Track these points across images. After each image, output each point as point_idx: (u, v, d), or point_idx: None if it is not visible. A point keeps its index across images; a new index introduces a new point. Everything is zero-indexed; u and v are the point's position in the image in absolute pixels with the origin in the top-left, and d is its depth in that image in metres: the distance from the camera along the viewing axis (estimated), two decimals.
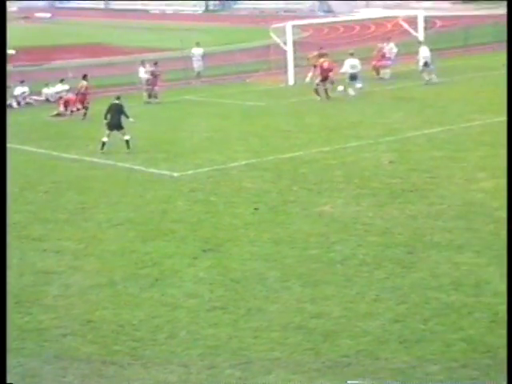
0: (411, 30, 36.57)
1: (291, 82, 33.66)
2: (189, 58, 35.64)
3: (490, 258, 12.03)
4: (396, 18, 40.77)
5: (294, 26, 35.49)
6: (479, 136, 21.04)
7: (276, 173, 18.49)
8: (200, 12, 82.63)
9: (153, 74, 31.04)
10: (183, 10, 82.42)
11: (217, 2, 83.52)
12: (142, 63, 31.69)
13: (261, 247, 13.32)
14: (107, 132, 21.61)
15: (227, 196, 16.73)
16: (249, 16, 73.04)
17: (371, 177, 17.54)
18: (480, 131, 21.65)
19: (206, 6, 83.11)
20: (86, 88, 28.03)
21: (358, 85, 30.07)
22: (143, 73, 31.25)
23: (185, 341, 9.93)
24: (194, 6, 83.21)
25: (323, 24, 53.32)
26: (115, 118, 21.51)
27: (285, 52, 33.89)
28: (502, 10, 62.04)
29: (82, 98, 27.91)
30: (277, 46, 34.51)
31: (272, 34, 35.18)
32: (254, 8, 78.27)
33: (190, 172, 19.11)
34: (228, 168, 19.30)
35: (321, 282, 11.58)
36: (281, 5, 75.06)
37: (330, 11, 71.18)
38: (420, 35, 35.90)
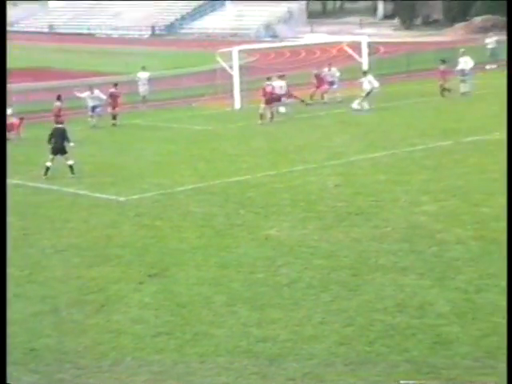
0: (355, 56, 37.17)
1: (237, 106, 33.84)
2: (134, 83, 35.54)
3: (433, 280, 12.20)
4: (340, 43, 41.44)
5: (240, 51, 35.75)
6: (422, 160, 21.41)
7: (223, 197, 18.52)
8: (146, 36, 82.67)
9: (112, 95, 30.90)
10: (129, 34, 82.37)
11: (163, 26, 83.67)
12: (90, 88, 31.43)
13: (207, 271, 13.29)
14: (51, 157, 21.42)
15: (174, 220, 16.67)
16: (195, 40, 73.40)
17: (317, 200, 17.69)
18: (423, 155, 22.03)
19: (153, 31, 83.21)
20: (59, 110, 27.79)
21: (282, 109, 30.56)
22: (89, 97, 30.98)
23: (130, 367, 9.82)
24: (140, 30, 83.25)
25: (269, 49, 53.86)
26: (58, 142, 21.39)
27: (231, 76, 34.08)
28: (443, 37, 63.71)
29: (56, 119, 27.37)
30: (223, 70, 34.69)
31: (219, 59, 35.39)
32: (201, 33, 78.69)
33: (136, 196, 19.00)
34: (175, 192, 19.25)
35: (267, 306, 11.59)
36: (227, 30, 75.61)
37: (275, 36, 71.97)
38: (364, 61, 36.50)
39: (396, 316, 10.90)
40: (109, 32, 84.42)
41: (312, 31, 73.97)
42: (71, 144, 21.60)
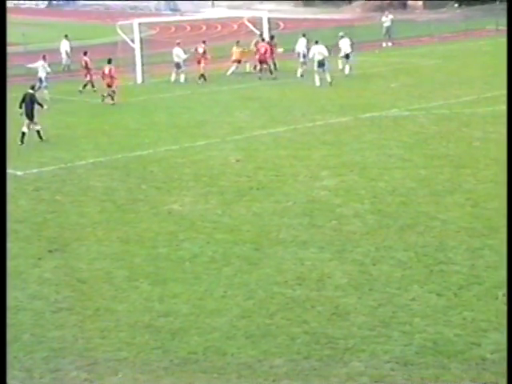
0: (256, 31, 37.27)
1: (139, 80, 33.41)
2: (30, 53, 34.59)
3: (332, 253, 12.51)
4: (241, 18, 41.44)
5: (141, 24, 35.23)
6: (322, 135, 21.77)
7: (124, 171, 18.34)
8: (43, 6, 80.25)
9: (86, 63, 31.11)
10: (25, 4, 79.73)
11: None
12: (43, 57, 30.85)
13: (109, 246, 13.19)
14: (26, 122, 21.54)
15: (74, 195, 16.42)
16: (94, 12, 71.76)
17: (219, 175, 17.76)
18: (322, 131, 22.40)
19: (49, 1, 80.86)
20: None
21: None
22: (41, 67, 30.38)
23: (28, 344, 9.69)
24: (37, 0, 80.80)
25: (171, 22, 53.29)
26: (28, 107, 21.57)
27: (132, 49, 33.58)
28: (341, 14, 64.61)
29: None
30: (124, 43, 34.13)
31: (119, 31, 34.77)
32: (99, 5, 77.01)
33: (34, 171, 18.57)
34: (75, 166, 18.93)
35: (169, 280, 11.63)
36: (126, 2, 74.26)
37: (176, 10, 71.22)
38: (265, 36, 36.65)
39: (296, 289, 11.13)
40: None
41: (213, 5, 73.61)
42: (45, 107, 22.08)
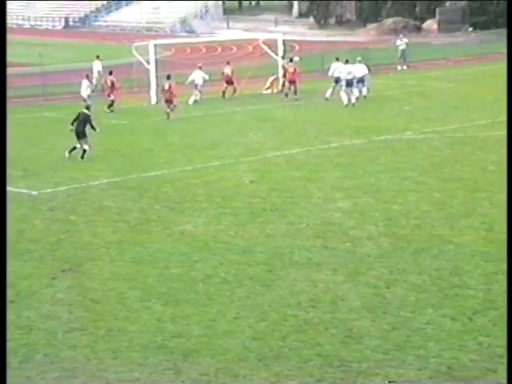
0: (271, 53, 37.45)
1: (154, 100, 33.58)
2: (47, 74, 34.87)
3: (345, 276, 12.44)
4: (256, 40, 41.67)
5: (156, 45, 35.48)
6: (336, 158, 21.77)
7: (138, 191, 18.38)
8: (59, 28, 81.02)
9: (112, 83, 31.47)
10: (42, 25, 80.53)
11: (76, 17, 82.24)
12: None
13: (122, 267, 13.18)
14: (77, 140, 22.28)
15: (87, 215, 16.45)
16: (110, 33, 72.38)
17: (232, 196, 17.76)
18: (336, 153, 22.39)
19: (66, 22, 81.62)
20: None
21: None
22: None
23: (41, 364, 9.67)
24: (53, 21, 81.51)
25: (186, 44, 53.65)
26: (80, 126, 22.25)
27: (147, 71, 33.79)
28: (356, 37, 64.87)
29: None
30: (139, 64, 34.36)
31: (135, 52, 35.02)
32: (115, 26, 77.68)
33: (49, 190, 18.64)
34: (89, 186, 18.99)
35: (182, 301, 11.59)
36: (142, 24, 74.88)
37: (191, 31, 71.73)
38: (279, 58, 36.83)
39: (309, 311, 11.07)
40: (20, 22, 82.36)
41: (228, 27, 74.12)
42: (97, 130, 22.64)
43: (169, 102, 29.48)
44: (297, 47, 53.66)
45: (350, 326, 10.47)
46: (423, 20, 69.68)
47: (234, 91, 34.47)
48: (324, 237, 14.53)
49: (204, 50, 54.76)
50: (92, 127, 22.50)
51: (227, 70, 34.62)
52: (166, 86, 29.67)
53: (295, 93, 33.62)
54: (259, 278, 12.49)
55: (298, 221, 15.66)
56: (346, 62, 32.68)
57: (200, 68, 33.94)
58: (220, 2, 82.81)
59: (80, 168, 21.01)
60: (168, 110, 29.27)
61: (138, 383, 9.16)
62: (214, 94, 34.00)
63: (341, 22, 76.49)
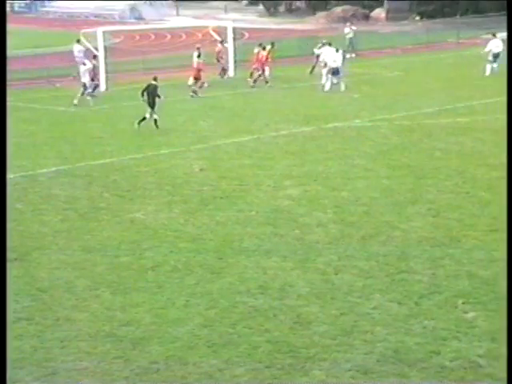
0: (219, 39, 37.31)
1: (103, 88, 33.22)
2: None
3: (294, 263, 12.54)
4: (206, 27, 41.52)
5: (105, 32, 35.08)
6: (286, 145, 21.86)
7: (87, 180, 18.21)
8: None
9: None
10: None
11: (22, 3, 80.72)
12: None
13: (70, 255, 13.07)
14: (148, 110, 23.92)
15: (35, 203, 16.25)
16: (57, 19, 71.24)
17: (183, 184, 17.73)
18: (286, 141, 22.49)
19: (12, 7, 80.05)
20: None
21: None
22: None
23: None
24: None
25: (135, 31, 53.16)
26: (150, 97, 23.88)
27: (96, 58, 33.38)
28: (306, 25, 65.08)
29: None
30: (88, 51, 33.94)
31: (83, 39, 34.58)
32: (63, 12, 76.48)
33: None
34: (36, 175, 18.74)
35: (131, 290, 11.56)
36: (91, 10, 73.85)
37: (140, 18, 71.04)
38: (230, 45, 36.76)
39: (258, 298, 11.14)
40: None
41: (177, 14, 73.62)
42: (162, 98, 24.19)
43: (196, 79, 31.40)
44: (247, 35, 53.58)
45: (298, 312, 10.57)
46: (372, 8, 70.22)
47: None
48: (274, 224, 14.61)
49: (153, 37, 54.31)
50: (158, 96, 24.05)
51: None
52: (195, 65, 31.44)
53: (258, 78, 33.76)
54: (209, 266, 12.52)
55: (248, 208, 15.72)
56: (337, 50, 32.79)
57: (198, 49, 33.49)
58: None
59: (27, 156, 20.72)
60: (196, 88, 31.17)
61: (86, 372, 9.12)
62: (164, 81, 33.73)
63: (290, 10, 76.72)
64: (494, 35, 37.41)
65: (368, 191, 16.57)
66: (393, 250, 12.87)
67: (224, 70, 36.22)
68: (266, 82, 33.64)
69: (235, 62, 36.89)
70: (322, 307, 10.68)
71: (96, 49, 33.59)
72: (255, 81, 33.98)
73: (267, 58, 34.08)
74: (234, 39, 37.99)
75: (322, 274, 11.94)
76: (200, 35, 44.60)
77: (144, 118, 23.99)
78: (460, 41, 51.12)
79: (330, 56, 32.74)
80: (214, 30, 39.09)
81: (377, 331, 9.84)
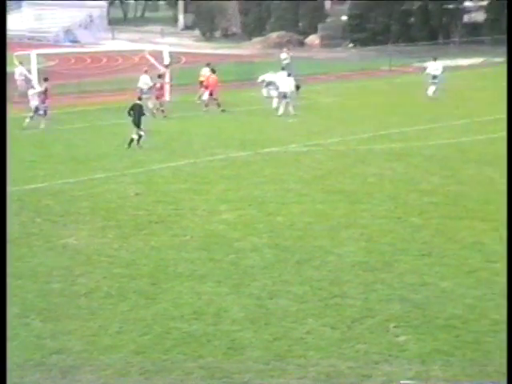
0: (157, 64, 37.36)
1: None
2: None
3: (229, 287, 12.53)
4: (142, 51, 41.48)
5: (39, 55, 34.72)
6: (221, 169, 21.90)
7: (18, 204, 17.88)
8: None
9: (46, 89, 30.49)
10: None
11: None
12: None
13: None
14: (134, 129, 24.92)
15: None
16: None
17: (117, 209, 17.57)
18: (222, 165, 22.54)
19: None
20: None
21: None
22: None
23: None
24: None
25: (70, 53, 52.75)
26: (136, 116, 25.01)
27: (29, 80, 33.00)
28: (242, 50, 65.61)
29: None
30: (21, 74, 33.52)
31: (16, 62, 34.15)
32: None
33: None
34: None
35: (63, 317, 11.36)
36: (24, 32, 73.01)
37: (75, 41, 70.55)
38: (166, 70, 36.78)
39: (192, 323, 11.08)
40: None
41: (113, 38, 73.39)
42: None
43: (159, 98, 32.23)
44: (183, 59, 53.71)
45: (232, 337, 10.55)
46: (306, 35, 71.35)
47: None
48: (208, 249, 14.59)
49: (89, 61, 53.96)
50: (143, 114, 25.38)
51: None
52: (158, 85, 32.10)
53: (205, 104, 33.90)
54: (143, 291, 12.40)
55: (183, 233, 15.66)
56: (289, 75, 33.26)
57: (146, 72, 33.75)
58: (105, 13, 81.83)
59: None
60: (157, 107, 31.96)
61: None
62: (100, 105, 33.54)
63: (226, 35, 77.35)
64: (434, 59, 39.34)
65: (303, 216, 16.70)
66: (326, 274, 12.98)
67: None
68: (211, 106, 33.80)
69: (171, 86, 36.89)
70: (256, 332, 10.69)
71: (29, 71, 33.21)
72: (207, 105, 34.05)
73: (214, 82, 34.21)
74: (171, 64, 38.01)
75: (256, 299, 11.95)
76: (136, 59, 44.49)
77: (132, 140, 24.98)
78: (392, 68, 52.24)
79: (282, 80, 33.16)
80: (150, 54, 39.07)
81: (310, 356, 9.89)
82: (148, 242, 15.06)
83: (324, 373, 9.42)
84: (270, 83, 35.44)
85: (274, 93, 33.77)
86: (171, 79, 36.82)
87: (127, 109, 25.41)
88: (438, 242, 14.49)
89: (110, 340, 10.55)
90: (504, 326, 10.53)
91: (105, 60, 53.83)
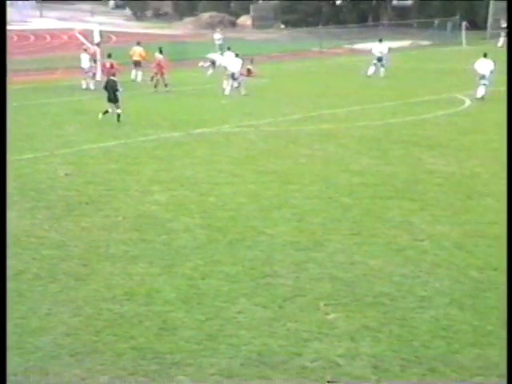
0: (87, 43, 36.78)
1: None
2: None
3: (161, 268, 12.50)
4: (72, 30, 40.81)
5: None
6: (153, 150, 21.76)
7: None
8: None
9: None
10: None
11: None
12: None
13: None
14: (110, 105, 25.54)
15: None
16: None
17: (47, 189, 17.30)
18: (154, 146, 22.39)
19: None
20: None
21: None
22: None
23: None
24: None
25: None
26: (111, 92, 25.53)
27: None
28: (173, 30, 65.06)
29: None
30: None
31: None
32: None
33: None
34: None
35: None
36: None
37: None
38: (97, 49, 36.26)
39: (124, 304, 11.03)
40: None
41: (41, 16, 71.84)
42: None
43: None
44: (114, 38, 52.98)
45: (164, 317, 10.55)
46: (238, 16, 71.22)
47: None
48: (140, 230, 14.51)
49: (16, 39, 52.70)
50: (117, 90, 25.62)
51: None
52: (108, 64, 32.13)
53: (165, 85, 33.98)
54: (73, 273, 12.27)
55: (115, 214, 15.53)
56: (236, 55, 33.27)
57: (85, 51, 33.63)
58: None
59: None
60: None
61: None
62: (28, 84, 32.84)
63: (158, 15, 76.64)
64: (380, 41, 40.48)
65: (235, 196, 16.75)
66: (258, 254, 13.07)
67: (94, 74, 35.72)
68: (166, 86, 34.19)
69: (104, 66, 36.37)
70: (188, 312, 10.71)
71: None
72: (156, 85, 34.03)
73: (162, 63, 34.25)
74: (102, 43, 37.45)
75: (188, 279, 11.96)
76: (66, 37, 43.67)
77: (106, 112, 25.57)
78: (323, 50, 52.63)
79: (230, 61, 33.12)
80: (80, 33, 38.42)
81: (242, 335, 9.97)
82: (79, 223, 14.88)
83: (255, 351, 9.51)
84: (213, 63, 35.61)
85: (212, 72, 34.03)
86: (102, 58, 36.31)
87: (103, 84, 26.07)
88: (368, 222, 14.74)
89: (39, 322, 10.42)
90: (430, 303, 10.82)
91: (33, 38, 52.67)
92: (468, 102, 30.64)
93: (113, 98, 25.69)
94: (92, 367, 9.19)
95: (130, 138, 23.44)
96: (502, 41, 57.31)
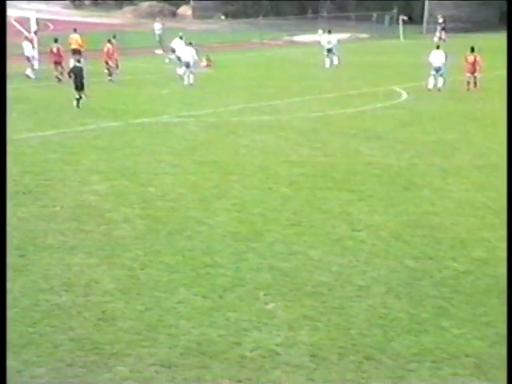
0: (24, 31, 36.15)
1: None
2: None
3: (100, 258, 12.41)
4: (8, 17, 39.96)
5: None
6: (93, 140, 21.54)
7: None
8: None
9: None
10: None
11: None
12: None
13: None
14: (76, 91, 25.72)
15: None
16: None
17: None
18: (93, 135, 22.17)
19: None
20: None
21: None
22: None
23: None
24: None
25: None
26: (78, 79, 25.81)
27: None
28: (112, 19, 64.32)
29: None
30: None
31: None
32: None
33: None
34: None
35: None
36: None
37: None
38: (34, 37, 35.70)
39: (62, 295, 10.92)
40: None
41: None
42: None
43: (58, 64, 32.61)
44: (51, 26, 52.15)
45: (103, 308, 10.48)
46: (178, 6, 70.85)
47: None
48: (79, 220, 14.37)
49: None
50: (83, 77, 25.88)
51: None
52: (55, 49, 32.32)
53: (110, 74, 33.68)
54: (11, 264, 12.03)
55: (53, 204, 15.35)
56: (190, 44, 33.36)
57: (26, 39, 33.65)
58: None
59: None
60: (57, 73, 32.65)
61: None
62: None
63: (96, 4, 75.73)
64: (329, 32, 41.28)
65: (175, 187, 16.71)
66: (198, 244, 13.08)
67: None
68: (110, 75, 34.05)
69: (39, 54, 35.81)
70: (128, 303, 10.66)
71: None
72: (110, 74, 33.81)
73: (113, 52, 34.08)
74: (38, 31, 36.84)
75: (128, 270, 11.91)
76: None
77: (80, 98, 25.90)
78: (263, 41, 52.75)
79: (183, 50, 33.10)
80: (16, 21, 37.70)
81: (181, 325, 9.98)
82: (15, 212, 14.66)
83: (195, 341, 9.53)
84: (173, 51, 35.86)
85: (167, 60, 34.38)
86: (40, 46, 35.74)
87: (67, 70, 26.35)
88: (307, 212, 14.88)
89: None
90: (367, 292, 11.01)
91: None
92: (405, 95, 31.13)
93: (80, 86, 25.89)
94: (28, 359, 9.08)
95: (68, 127, 23.15)
96: (438, 36, 58.53)
